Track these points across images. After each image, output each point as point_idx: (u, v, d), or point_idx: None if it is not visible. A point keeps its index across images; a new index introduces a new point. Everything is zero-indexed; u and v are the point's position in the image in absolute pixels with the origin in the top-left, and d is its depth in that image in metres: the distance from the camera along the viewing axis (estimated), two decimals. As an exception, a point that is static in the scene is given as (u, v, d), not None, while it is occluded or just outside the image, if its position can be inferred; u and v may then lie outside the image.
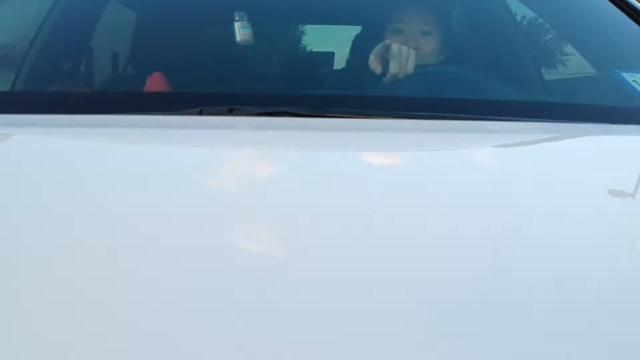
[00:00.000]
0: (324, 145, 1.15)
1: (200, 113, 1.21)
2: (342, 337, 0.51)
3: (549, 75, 1.71)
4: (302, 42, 2.06)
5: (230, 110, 1.22)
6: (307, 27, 2.13)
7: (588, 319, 0.56)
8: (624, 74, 1.45)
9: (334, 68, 2.19)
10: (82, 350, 0.52)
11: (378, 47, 1.56)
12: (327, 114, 1.22)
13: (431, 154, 1.15)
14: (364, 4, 1.86)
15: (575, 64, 1.59)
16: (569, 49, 1.67)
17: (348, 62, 1.97)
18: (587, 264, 0.69)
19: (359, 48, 1.83)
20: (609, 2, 1.56)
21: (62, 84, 1.58)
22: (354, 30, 1.97)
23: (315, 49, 2.20)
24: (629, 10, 1.53)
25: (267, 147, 1.11)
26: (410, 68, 1.55)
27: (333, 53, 2.24)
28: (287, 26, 2.04)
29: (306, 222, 0.77)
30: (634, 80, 1.42)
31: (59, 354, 0.52)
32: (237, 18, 1.59)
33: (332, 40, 2.17)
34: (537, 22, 1.77)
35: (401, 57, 1.56)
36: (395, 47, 1.55)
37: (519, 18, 1.77)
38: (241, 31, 1.59)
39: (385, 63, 1.54)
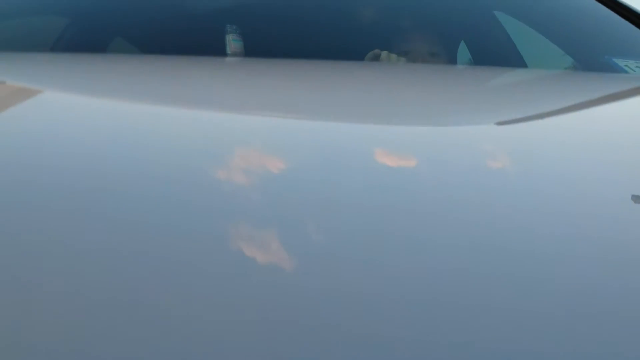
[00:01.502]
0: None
1: None
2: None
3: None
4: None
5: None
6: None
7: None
8: (615, 59, 1.51)
9: None
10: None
11: (368, 55, 1.56)
12: None
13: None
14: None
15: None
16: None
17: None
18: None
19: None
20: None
21: None
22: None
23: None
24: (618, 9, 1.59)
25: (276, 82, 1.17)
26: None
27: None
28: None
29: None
30: (626, 65, 1.48)
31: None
32: (228, 30, 1.56)
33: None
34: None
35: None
36: (384, 54, 1.56)
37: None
38: (232, 44, 1.56)
39: None
